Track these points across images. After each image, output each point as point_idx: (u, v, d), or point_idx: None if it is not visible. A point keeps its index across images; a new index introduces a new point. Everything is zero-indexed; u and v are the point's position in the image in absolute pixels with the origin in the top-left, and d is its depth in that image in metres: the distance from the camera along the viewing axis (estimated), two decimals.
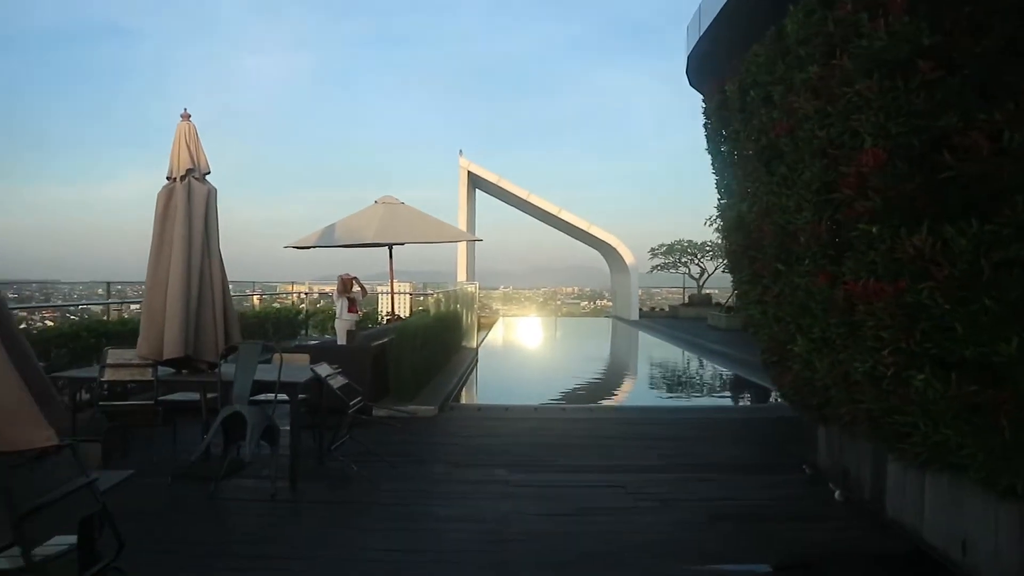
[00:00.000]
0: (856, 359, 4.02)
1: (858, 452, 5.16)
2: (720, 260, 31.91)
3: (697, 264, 32.81)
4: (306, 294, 18.78)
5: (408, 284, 21.46)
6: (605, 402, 11.00)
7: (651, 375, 15.31)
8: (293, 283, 17.57)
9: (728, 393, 12.79)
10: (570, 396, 11.69)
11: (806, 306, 4.70)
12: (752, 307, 5.72)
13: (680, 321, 28.23)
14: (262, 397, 6.07)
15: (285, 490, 5.65)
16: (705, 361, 16.53)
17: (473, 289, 24.98)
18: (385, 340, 9.22)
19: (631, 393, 12.35)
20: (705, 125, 6.43)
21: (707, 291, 33.02)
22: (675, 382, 14.03)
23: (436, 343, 10.98)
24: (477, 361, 15.08)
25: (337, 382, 6.23)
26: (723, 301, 34.07)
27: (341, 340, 11.05)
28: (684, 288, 34.62)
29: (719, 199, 6.39)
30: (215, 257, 6.24)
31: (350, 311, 13.56)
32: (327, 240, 10.91)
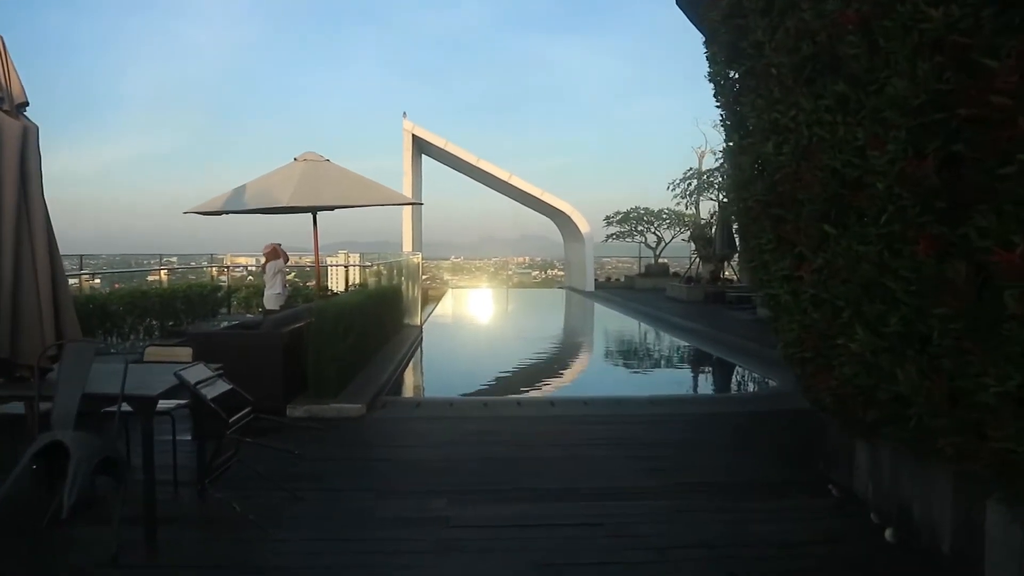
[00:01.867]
0: (987, 372, 2.55)
1: (929, 485, 3.74)
2: (678, 229, 30.75)
3: (654, 233, 31.58)
4: (242, 267, 16.87)
5: (357, 255, 19.54)
6: (568, 392, 9.50)
7: (617, 356, 13.82)
8: (212, 255, 15.60)
9: (708, 379, 11.41)
10: (526, 383, 10.21)
11: (874, 285, 3.22)
12: (777, 285, 4.23)
13: (637, 293, 26.97)
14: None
15: (138, 545, 4.02)
16: (672, 338, 15.19)
17: (418, 260, 23.28)
18: (301, 324, 7.55)
19: (597, 379, 10.84)
20: (706, 44, 4.87)
21: (663, 261, 31.89)
22: (645, 365, 12.55)
23: (370, 324, 9.35)
24: (421, 340, 13.47)
25: (215, 389, 4.58)
26: (681, 271, 33.03)
27: None
28: (640, 258, 33.43)
29: (725, 142, 4.85)
30: (39, 223, 4.49)
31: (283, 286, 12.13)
32: (235, 204, 9.10)
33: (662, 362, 12.93)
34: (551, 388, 9.85)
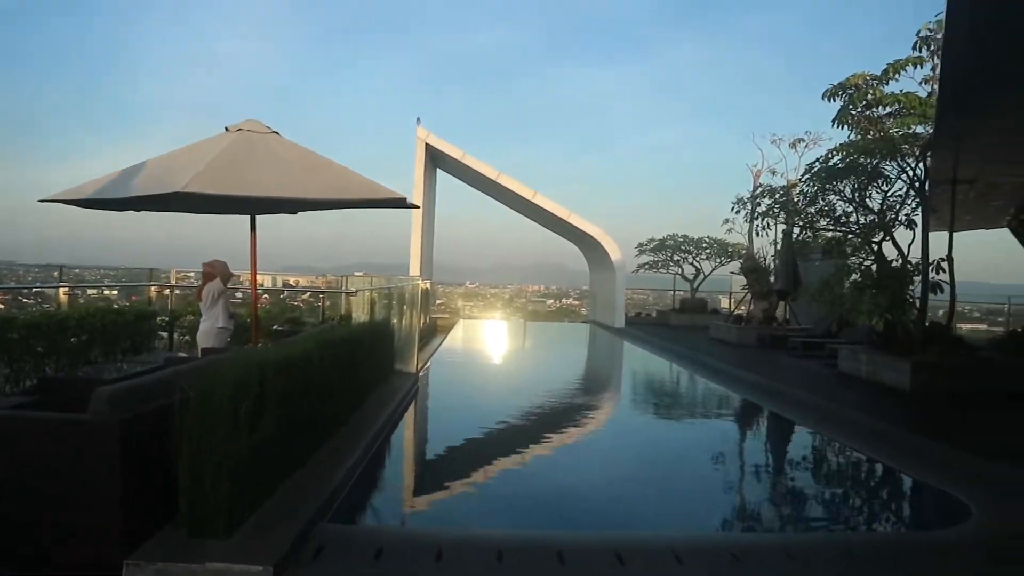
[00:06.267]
0: None
1: None
2: (720, 260, 27.21)
3: (692, 263, 28.01)
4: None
5: (380, 279, 15.95)
6: (641, 522, 5.85)
7: (691, 437, 9.31)
8: (152, 269, 12.23)
9: (851, 488, 7.26)
10: (564, 487, 6.67)
11: None
12: None
13: (673, 331, 23.43)
14: None
15: None
16: (746, 400, 11.53)
17: (424, 285, 19.93)
18: (171, 400, 4.15)
19: (675, 487, 6.86)
20: None
21: (700, 295, 28.36)
22: (733, 454, 8.36)
23: (321, 388, 5.94)
24: (415, 396, 10.02)
25: None
26: (720, 307, 29.40)
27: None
28: (674, 291, 29.91)
29: None
30: None
31: (229, 315, 9.02)
32: (114, 190, 5.76)
33: (754, 448, 9.14)
34: (605, 499, 6.33)
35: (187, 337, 11.26)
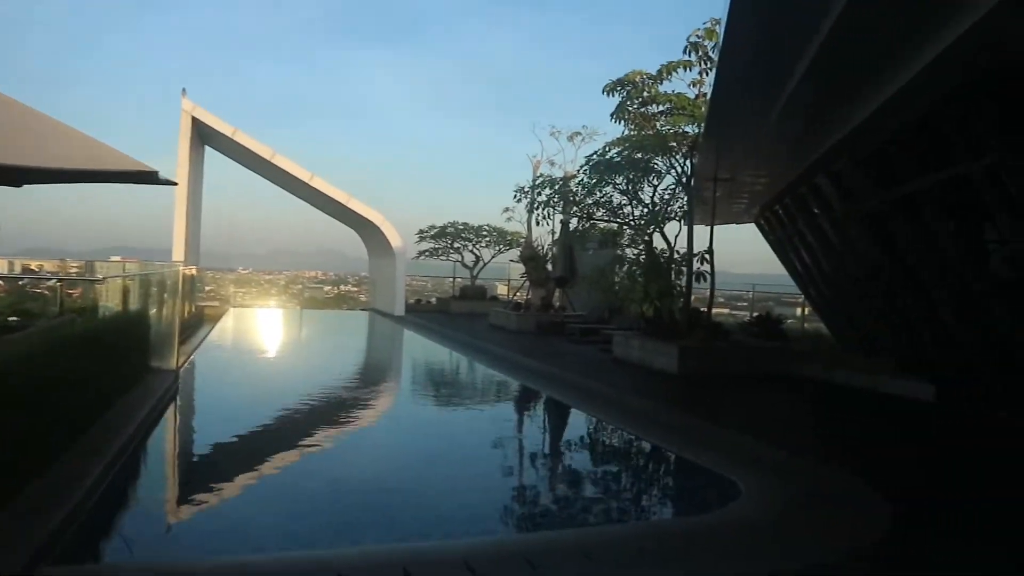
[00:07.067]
0: None
1: None
2: (499, 248, 27.73)
3: (472, 251, 28.26)
4: None
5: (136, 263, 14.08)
6: (431, 526, 5.48)
7: (481, 434, 8.72)
8: None
9: (662, 482, 7.45)
10: (341, 499, 6.14)
11: None
12: None
13: (454, 318, 23.50)
14: None
15: None
16: (534, 389, 11.55)
17: (189, 272, 18.25)
18: None
19: (467, 489, 6.38)
20: None
21: (479, 283, 28.73)
22: (528, 448, 8.31)
23: (45, 401, 4.96)
24: (174, 396, 8.94)
25: None
26: (499, 294, 30.03)
27: None
28: (454, 278, 30.04)
29: None
30: None
31: None
32: None
33: (534, 436, 9.16)
34: (385, 502, 5.93)
35: None
